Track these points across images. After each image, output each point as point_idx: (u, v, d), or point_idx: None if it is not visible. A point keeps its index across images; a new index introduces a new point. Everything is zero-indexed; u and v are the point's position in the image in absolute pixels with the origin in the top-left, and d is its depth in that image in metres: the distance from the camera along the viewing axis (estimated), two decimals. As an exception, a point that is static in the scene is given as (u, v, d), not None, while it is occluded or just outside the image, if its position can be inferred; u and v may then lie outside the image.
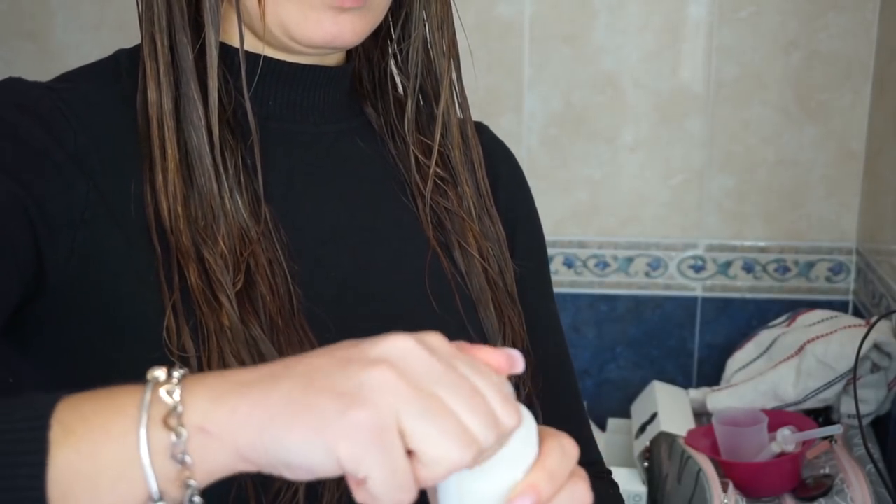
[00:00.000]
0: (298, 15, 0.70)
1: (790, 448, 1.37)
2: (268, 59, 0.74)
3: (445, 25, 0.80)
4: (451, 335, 0.77)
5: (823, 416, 1.55)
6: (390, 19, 0.81)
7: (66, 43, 1.78)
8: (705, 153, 1.75)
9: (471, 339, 0.78)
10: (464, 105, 0.83)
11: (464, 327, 0.79)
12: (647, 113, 1.74)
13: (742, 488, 1.37)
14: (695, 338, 1.81)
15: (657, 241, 1.79)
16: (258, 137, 0.72)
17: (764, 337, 1.67)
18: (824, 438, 1.44)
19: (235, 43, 0.72)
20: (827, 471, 1.39)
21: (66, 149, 0.67)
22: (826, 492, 1.35)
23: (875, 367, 1.50)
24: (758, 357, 1.65)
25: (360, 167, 0.80)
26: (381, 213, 0.80)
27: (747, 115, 1.73)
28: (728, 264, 1.78)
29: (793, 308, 1.73)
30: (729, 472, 1.38)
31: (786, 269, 1.77)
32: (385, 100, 0.83)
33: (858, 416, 1.40)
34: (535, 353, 0.83)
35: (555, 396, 0.86)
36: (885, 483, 1.37)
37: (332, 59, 0.78)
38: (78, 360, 0.68)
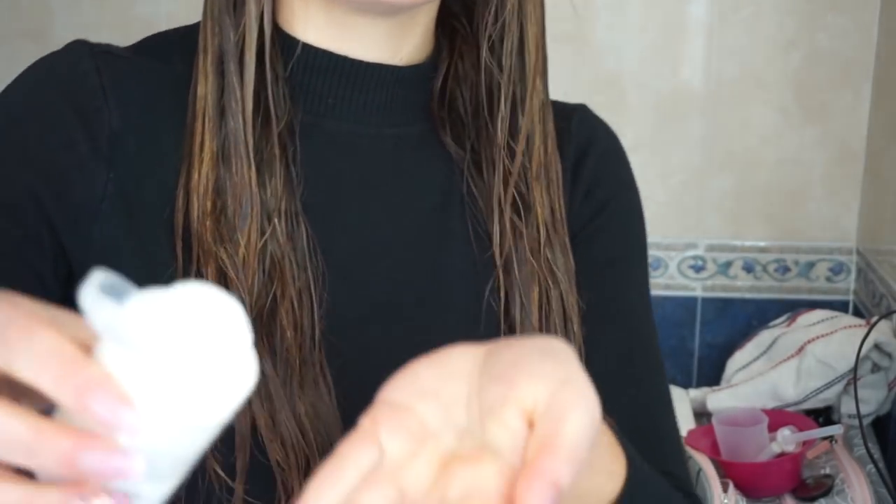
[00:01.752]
0: None
1: (790, 448, 1.37)
2: (329, 54, 0.70)
3: (536, 18, 0.73)
4: None
5: (823, 416, 1.55)
6: (489, 22, 0.73)
7: (65, 43, 1.78)
8: (705, 153, 1.75)
9: None
10: (546, 114, 0.74)
11: None
12: (647, 113, 1.74)
13: (742, 488, 1.37)
14: (695, 338, 1.81)
15: (657, 240, 1.79)
16: (292, 148, 0.69)
17: (764, 337, 1.67)
18: (824, 438, 1.44)
19: (298, 34, 0.70)
20: (827, 471, 1.39)
21: (96, 136, 0.67)
22: (826, 492, 1.35)
23: (875, 367, 1.50)
24: (758, 357, 1.65)
25: (419, 176, 0.74)
26: (433, 230, 0.73)
27: (747, 115, 1.73)
28: (728, 264, 1.78)
29: (793, 308, 1.72)
30: (729, 472, 1.38)
31: (786, 269, 1.77)
32: (471, 103, 0.75)
33: (859, 416, 1.40)
34: (598, 340, 0.75)
35: (621, 393, 0.74)
36: (885, 483, 1.37)
37: (403, 58, 0.73)
38: None
